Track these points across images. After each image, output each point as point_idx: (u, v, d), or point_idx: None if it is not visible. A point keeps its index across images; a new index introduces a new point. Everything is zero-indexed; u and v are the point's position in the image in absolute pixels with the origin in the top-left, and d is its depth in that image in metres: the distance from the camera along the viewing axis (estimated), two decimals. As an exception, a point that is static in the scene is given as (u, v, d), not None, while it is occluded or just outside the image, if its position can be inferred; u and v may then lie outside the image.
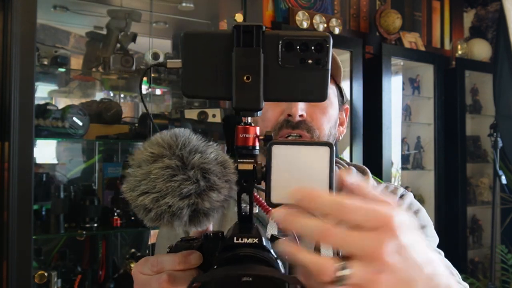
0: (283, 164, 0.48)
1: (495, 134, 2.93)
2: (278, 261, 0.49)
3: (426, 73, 3.36)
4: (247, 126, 0.51)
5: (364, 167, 1.00)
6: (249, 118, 0.51)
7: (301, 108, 0.86)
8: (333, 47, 0.50)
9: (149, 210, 0.44)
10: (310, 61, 0.49)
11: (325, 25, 2.84)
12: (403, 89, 3.37)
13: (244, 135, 0.51)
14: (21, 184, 1.69)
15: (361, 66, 2.86)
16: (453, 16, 3.80)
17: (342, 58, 2.91)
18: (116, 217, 2.03)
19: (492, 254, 2.93)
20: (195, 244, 0.53)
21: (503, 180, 2.92)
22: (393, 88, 3.07)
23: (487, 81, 3.55)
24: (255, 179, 0.49)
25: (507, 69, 3.01)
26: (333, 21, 2.88)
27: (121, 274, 2.16)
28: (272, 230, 0.85)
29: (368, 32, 3.26)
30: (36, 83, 1.90)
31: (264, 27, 0.49)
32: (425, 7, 3.63)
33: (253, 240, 0.48)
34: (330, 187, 0.48)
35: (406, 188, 3.53)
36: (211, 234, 0.53)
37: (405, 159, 3.37)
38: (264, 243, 0.48)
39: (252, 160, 0.50)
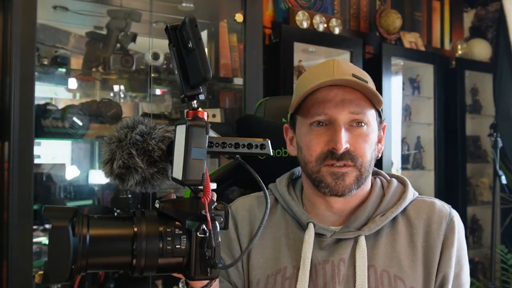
0: None
1: (495, 134, 2.92)
2: None
3: (426, 73, 3.36)
4: None
5: (405, 179, 1.00)
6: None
7: (344, 142, 0.86)
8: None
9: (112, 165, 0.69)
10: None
11: (325, 25, 2.84)
12: (403, 89, 3.36)
13: None
14: (21, 184, 1.69)
15: (361, 66, 2.86)
16: (453, 16, 3.80)
17: (342, 58, 2.91)
18: (116, 217, 2.03)
19: (492, 254, 2.93)
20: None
21: (503, 180, 2.91)
22: (393, 88, 3.07)
23: (487, 81, 3.55)
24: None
25: (507, 69, 3.00)
26: (333, 21, 2.88)
27: (121, 274, 2.16)
28: None
29: (368, 32, 3.26)
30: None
31: None
32: (425, 7, 3.63)
33: None
34: None
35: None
36: None
37: (405, 159, 3.37)
38: None
39: None
